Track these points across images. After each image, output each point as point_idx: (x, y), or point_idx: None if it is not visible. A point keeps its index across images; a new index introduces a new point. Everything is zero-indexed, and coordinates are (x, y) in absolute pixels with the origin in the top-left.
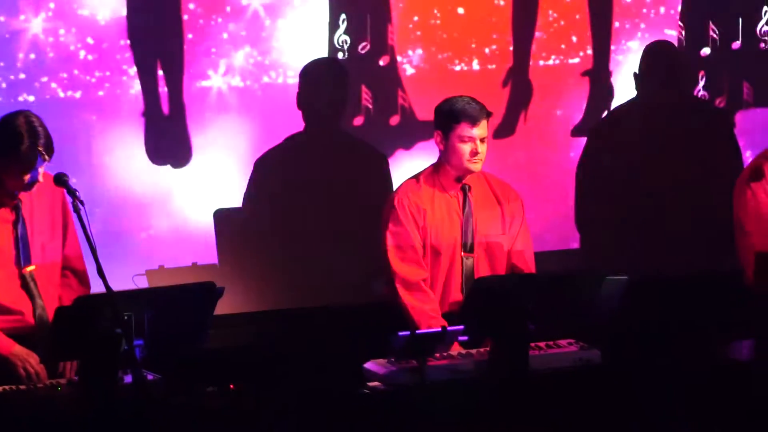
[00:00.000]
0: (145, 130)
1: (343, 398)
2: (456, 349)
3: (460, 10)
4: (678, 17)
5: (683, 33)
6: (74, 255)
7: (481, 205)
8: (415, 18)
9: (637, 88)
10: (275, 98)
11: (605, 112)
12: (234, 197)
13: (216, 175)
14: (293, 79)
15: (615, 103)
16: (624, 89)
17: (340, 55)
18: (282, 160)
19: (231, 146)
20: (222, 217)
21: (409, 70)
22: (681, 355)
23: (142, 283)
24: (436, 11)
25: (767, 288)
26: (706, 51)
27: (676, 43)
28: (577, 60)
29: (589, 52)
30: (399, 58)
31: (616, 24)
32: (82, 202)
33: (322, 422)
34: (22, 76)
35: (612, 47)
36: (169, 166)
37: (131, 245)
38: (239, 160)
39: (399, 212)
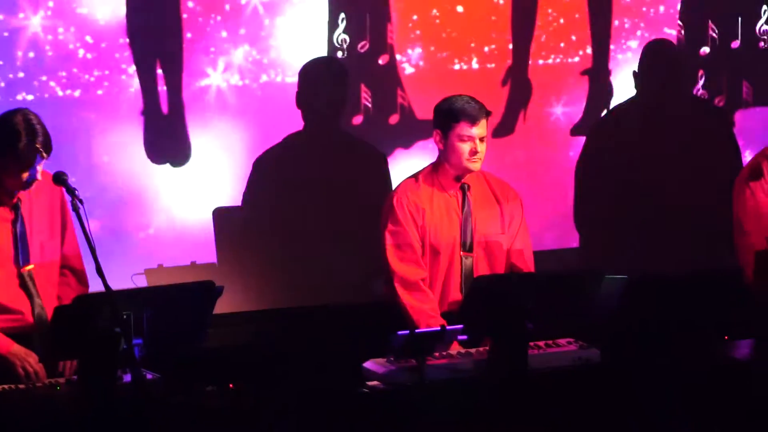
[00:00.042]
0: (144, 129)
1: (343, 397)
2: (455, 349)
3: (460, 9)
4: (677, 16)
5: (683, 32)
6: (73, 254)
7: (480, 204)
8: (415, 17)
9: (636, 87)
10: (274, 97)
11: (605, 111)
12: (233, 196)
13: (215, 174)
14: (292, 78)
15: (614, 102)
16: (623, 88)
17: (339, 54)
18: (281, 159)
19: (230, 145)
20: (221, 216)
21: (409, 69)
22: (680, 354)
23: (141, 282)
24: (435, 10)
25: (766, 287)
26: (705, 50)
27: (675, 42)
28: (576, 59)
29: (589, 51)
30: (398, 57)
31: (616, 23)
32: (81, 201)
33: (322, 421)
34: (21, 74)
35: (611, 46)
36: (168, 165)
37: (130, 244)
38: (238, 159)
39: (398, 212)
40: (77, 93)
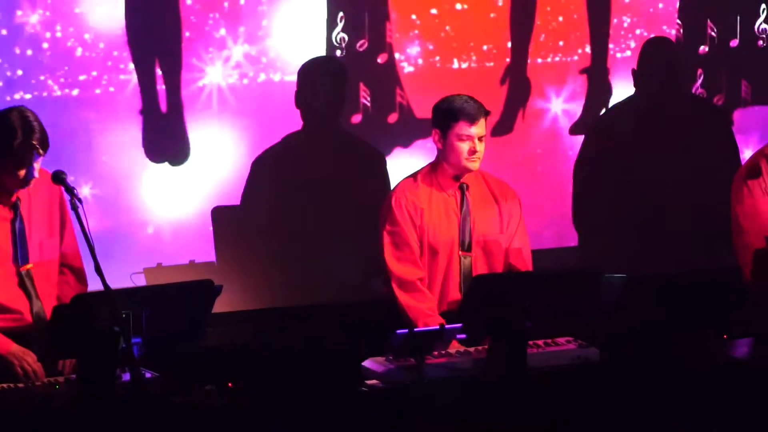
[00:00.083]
0: (143, 128)
1: (342, 396)
2: (454, 347)
3: (458, 8)
4: (676, 15)
5: (681, 31)
6: (72, 252)
7: (479, 203)
8: (413, 16)
9: (635, 86)
10: (273, 96)
11: (603, 110)
12: (232, 195)
13: (214, 173)
14: (291, 77)
15: (613, 101)
16: (622, 87)
17: (338, 53)
18: (280, 158)
19: (229, 144)
20: (220, 215)
21: (407, 68)
22: (679, 353)
23: (140, 281)
24: (434, 9)
25: (765, 286)
26: (704, 49)
27: (674, 41)
28: (575, 58)
29: (588, 49)
30: (397, 56)
31: (615, 21)
32: (79, 200)
33: (321, 420)
34: (19, 72)
35: (610, 45)
36: (167, 164)
37: (129, 243)
38: (237, 158)
39: (396, 211)
40: (75, 92)
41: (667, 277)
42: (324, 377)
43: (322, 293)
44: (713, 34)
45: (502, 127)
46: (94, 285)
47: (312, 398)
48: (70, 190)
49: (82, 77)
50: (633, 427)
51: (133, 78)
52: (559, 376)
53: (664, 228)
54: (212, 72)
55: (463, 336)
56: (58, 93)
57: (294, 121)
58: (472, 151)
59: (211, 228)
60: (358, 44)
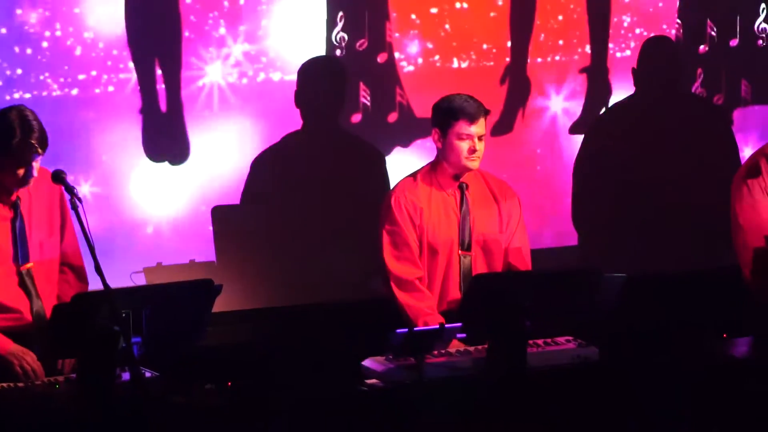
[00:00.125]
0: (143, 128)
1: (341, 396)
2: (454, 346)
3: (458, 7)
4: (676, 14)
5: (681, 30)
6: (72, 251)
7: (479, 203)
8: (413, 15)
9: (635, 85)
10: (273, 96)
11: (603, 109)
12: (232, 195)
13: (214, 173)
14: (291, 77)
15: (613, 100)
16: (622, 86)
17: (337, 53)
18: (280, 158)
19: (229, 144)
20: (220, 214)
21: (407, 68)
22: (679, 352)
23: (140, 281)
24: (433, 8)
25: (764, 285)
26: (704, 48)
27: (674, 40)
28: (575, 57)
29: (588, 49)
30: (397, 56)
31: (615, 21)
32: (80, 199)
33: (321, 419)
34: (19, 71)
35: (610, 44)
36: (166, 163)
37: (129, 242)
38: (237, 158)
39: (395, 211)
40: (75, 91)
41: (667, 277)
42: (324, 376)
43: (322, 292)
44: (713, 33)
45: (502, 127)
46: (94, 284)
47: (312, 397)
48: (70, 190)
49: (81, 77)
50: (632, 427)
51: (133, 77)
52: (559, 376)
53: (664, 227)
54: (212, 71)
55: (463, 335)
56: (58, 92)
57: (294, 121)
58: (472, 150)
59: (211, 227)
60: (357, 44)
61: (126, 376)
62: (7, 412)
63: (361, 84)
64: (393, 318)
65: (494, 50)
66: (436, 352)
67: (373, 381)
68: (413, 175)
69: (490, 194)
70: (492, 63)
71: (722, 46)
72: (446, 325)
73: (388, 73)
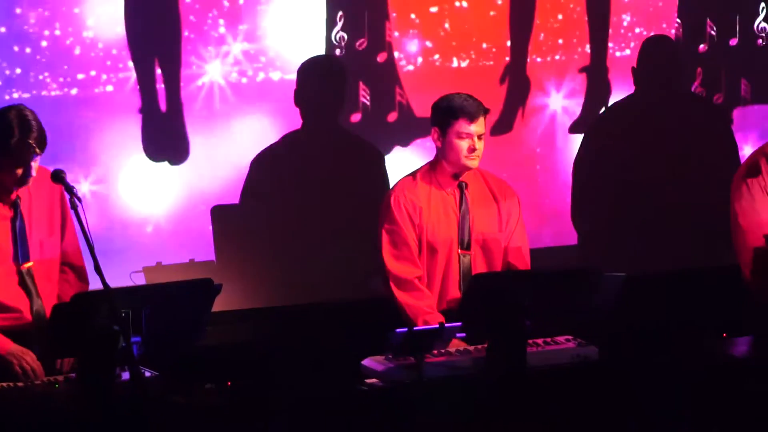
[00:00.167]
0: (143, 127)
1: (341, 395)
2: (456, 345)
3: (458, 5)
4: (676, 13)
5: (681, 29)
6: (72, 251)
7: (478, 202)
8: (413, 15)
9: (635, 84)
10: (273, 95)
11: (603, 109)
12: (231, 194)
13: (213, 172)
14: (290, 76)
15: (613, 100)
16: (622, 85)
17: (337, 52)
18: (279, 157)
19: (228, 143)
20: (219, 214)
21: (407, 67)
22: (678, 352)
23: (140, 280)
24: (433, 8)
25: (764, 284)
26: (703, 47)
27: (673, 39)
28: (575, 56)
29: (587, 48)
30: (396, 55)
31: (614, 20)
32: (79, 199)
33: (320, 419)
34: (18, 70)
35: (610, 43)
36: (166, 163)
37: (129, 242)
38: (236, 157)
39: (394, 210)
40: (74, 91)
41: (667, 276)
42: (323, 376)
43: (321, 292)
44: (713, 32)
45: (502, 126)
46: (93, 284)
47: (311, 397)
48: (70, 189)
49: (80, 76)
50: (632, 426)
51: (132, 77)
52: (559, 375)
53: (664, 226)
54: (212, 71)
55: (463, 335)
56: (58, 92)
57: (293, 120)
58: (472, 149)
59: (211, 227)
60: (357, 43)
61: (125, 375)
62: (6, 411)
63: (361, 83)
64: (393, 317)
65: (494, 49)
66: (435, 352)
67: (373, 380)
68: (413, 175)
69: (489, 193)
70: (492, 62)
71: (722, 46)
72: (446, 325)
73: (387, 72)
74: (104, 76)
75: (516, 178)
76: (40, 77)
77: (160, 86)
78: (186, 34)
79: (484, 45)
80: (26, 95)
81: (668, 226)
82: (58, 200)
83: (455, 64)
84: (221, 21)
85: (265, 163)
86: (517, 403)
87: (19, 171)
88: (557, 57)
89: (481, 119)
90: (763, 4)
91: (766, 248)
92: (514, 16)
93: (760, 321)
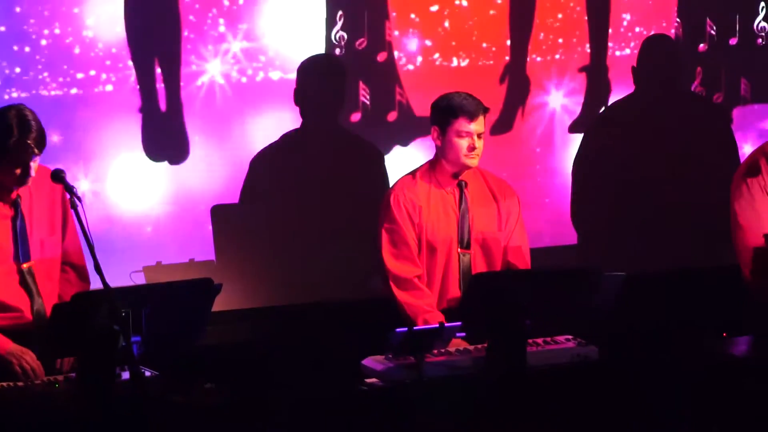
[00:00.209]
0: (143, 127)
1: (341, 395)
2: (454, 345)
3: (457, 4)
4: (675, 13)
5: (681, 29)
6: (74, 250)
7: (478, 201)
8: (412, 14)
9: (635, 84)
10: (273, 94)
11: (603, 108)
12: (231, 194)
13: (213, 172)
14: (290, 76)
15: (612, 99)
16: (622, 85)
17: (337, 51)
18: (279, 157)
19: (228, 142)
20: (219, 213)
21: (407, 66)
22: (678, 351)
23: (140, 280)
24: (433, 7)
25: (764, 284)
26: (703, 47)
27: (673, 39)
28: (574, 55)
29: (587, 47)
30: (396, 55)
31: (614, 19)
32: (79, 198)
33: (320, 419)
34: (17, 69)
35: (610, 43)
36: (166, 163)
37: (129, 242)
38: (236, 157)
39: (394, 209)
40: (74, 90)
41: (666, 275)
42: (323, 376)
43: (321, 291)
44: (712, 32)
45: (502, 126)
46: (94, 283)
47: (311, 397)
48: (70, 189)
49: (80, 75)
50: (632, 425)
51: (132, 76)
52: (559, 375)
53: (663, 226)
54: (211, 70)
55: (463, 334)
56: (57, 92)
57: (293, 120)
58: (471, 148)
59: (211, 226)
60: (357, 42)
61: (125, 375)
62: (7, 411)
63: (361, 83)
64: (393, 317)
65: (494, 49)
66: (435, 351)
67: (373, 380)
68: (412, 174)
69: (489, 192)
70: (491, 62)
71: (722, 45)
72: (446, 324)
73: (387, 72)
74: (104, 76)
75: (516, 178)
76: (40, 76)
77: (160, 86)
78: (186, 33)
79: (484, 44)
80: (24, 95)
81: (668, 226)
82: (59, 200)
83: (455, 63)
84: (221, 20)
85: (264, 163)
86: (517, 403)
87: (18, 171)
88: (557, 56)
89: (481, 118)
90: (762, 4)
91: (765, 248)
92: (514, 16)
93: (759, 320)
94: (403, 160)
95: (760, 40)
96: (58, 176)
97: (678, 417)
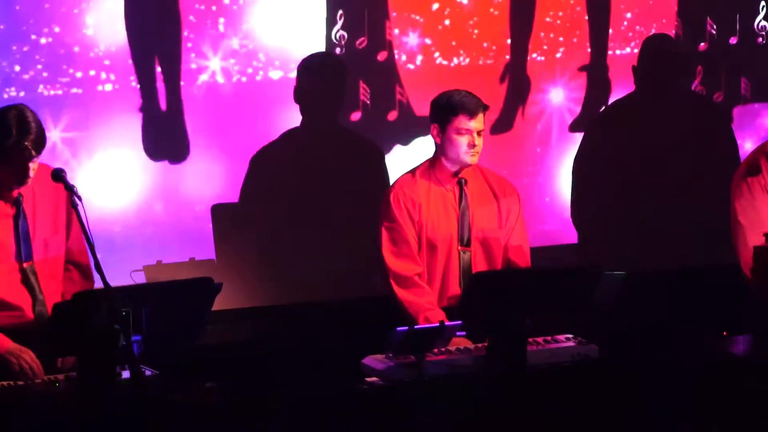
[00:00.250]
0: (143, 126)
1: (342, 394)
2: (456, 344)
3: (458, 3)
4: (676, 12)
5: (681, 28)
6: (78, 249)
7: (478, 199)
8: (413, 14)
9: (635, 83)
10: (273, 93)
11: (603, 107)
12: (231, 193)
13: (213, 171)
14: (290, 75)
15: (613, 98)
16: (622, 84)
17: (337, 51)
18: (279, 155)
19: (228, 141)
20: (219, 212)
21: (407, 66)
22: (679, 350)
23: (140, 279)
24: (433, 6)
25: (764, 283)
26: (703, 46)
27: (673, 38)
28: (575, 55)
29: (587, 46)
30: (396, 54)
31: (615, 18)
32: (79, 198)
33: (320, 418)
34: (17, 68)
35: (610, 42)
36: (166, 162)
37: (129, 241)
38: (236, 156)
39: (394, 208)
40: (74, 89)
41: (667, 274)
42: (324, 375)
43: (321, 290)
44: (713, 31)
45: (502, 125)
46: (96, 282)
47: (312, 396)
48: (70, 188)
49: (79, 74)
50: (632, 424)
51: (132, 76)
52: (559, 374)
53: (664, 225)
54: (211, 69)
55: (463, 333)
56: (58, 91)
57: (293, 119)
58: (471, 145)
59: (211, 225)
60: (357, 42)
61: (126, 374)
62: (7, 410)
63: (361, 82)
64: (393, 316)
65: (494, 48)
66: (436, 350)
67: (373, 379)
68: (412, 172)
69: (489, 190)
70: (492, 61)
71: (722, 44)
72: (446, 323)
73: (387, 71)
74: (104, 75)
75: (516, 177)
76: (40, 76)
77: (160, 85)
78: (186, 33)
79: (485, 44)
80: (22, 93)
81: (668, 225)
82: (63, 199)
83: (455, 62)
84: (221, 19)
85: (264, 162)
86: (517, 402)
87: (17, 171)
88: (558, 55)
89: (481, 115)
90: (763, 3)
91: (766, 247)
92: (514, 15)
93: (759, 319)
94: (403, 160)
95: (760, 39)
96: (58, 176)
97: (678, 416)
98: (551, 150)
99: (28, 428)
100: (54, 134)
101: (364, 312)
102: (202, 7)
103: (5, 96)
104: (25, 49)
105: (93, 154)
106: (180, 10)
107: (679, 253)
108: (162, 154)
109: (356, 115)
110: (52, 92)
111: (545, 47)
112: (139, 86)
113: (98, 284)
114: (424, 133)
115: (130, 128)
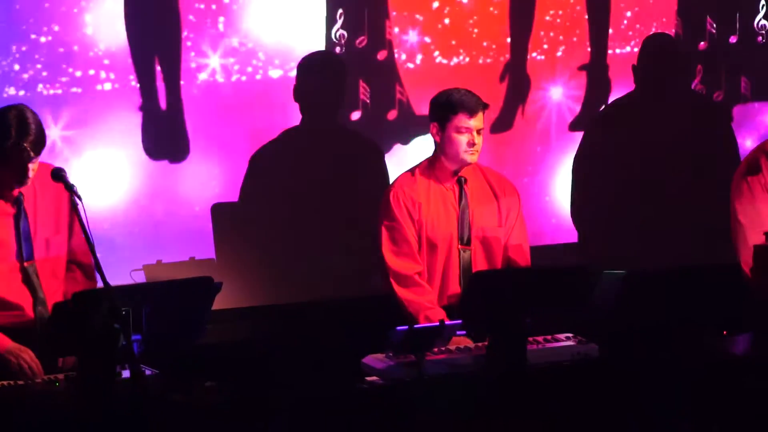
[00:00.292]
0: (143, 125)
1: (341, 393)
2: (455, 343)
3: (458, 2)
4: (676, 11)
5: (681, 27)
6: (80, 249)
7: (478, 198)
8: (413, 12)
9: (635, 82)
10: (272, 92)
11: (603, 106)
12: (231, 192)
13: (213, 170)
14: (290, 73)
15: (613, 97)
16: (622, 83)
17: (337, 50)
18: (278, 155)
19: (228, 141)
20: (219, 211)
21: (407, 65)
22: (679, 349)
23: (140, 278)
24: (433, 5)
25: (764, 282)
26: (703, 45)
27: (673, 37)
28: (575, 54)
29: (587, 45)
30: (396, 53)
31: (615, 17)
32: (79, 197)
33: (320, 417)
34: (16, 67)
35: (610, 41)
36: (166, 161)
37: (129, 240)
38: (236, 155)
39: (393, 207)
40: (73, 89)
41: (667, 274)
42: (324, 374)
43: (321, 289)
44: (713, 30)
45: (502, 124)
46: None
47: (312, 395)
48: (70, 188)
49: (78, 74)
50: (632, 424)
51: (132, 75)
52: (559, 373)
53: (664, 224)
54: (211, 68)
55: (463, 333)
56: (57, 90)
57: (293, 118)
58: (471, 144)
59: (211, 225)
60: (357, 41)
61: (126, 373)
62: (7, 409)
63: (361, 81)
64: (393, 315)
65: (494, 47)
66: (436, 349)
67: (373, 378)
68: (411, 170)
69: (489, 189)
70: (491, 60)
71: (722, 43)
72: (446, 323)
73: (387, 70)
74: (103, 74)
75: (516, 176)
76: (40, 75)
77: (160, 84)
78: (186, 32)
79: (485, 42)
80: (21, 93)
81: (668, 224)
82: (65, 199)
83: (455, 61)
84: (221, 18)
85: (264, 161)
86: (517, 401)
87: (16, 172)
88: (557, 54)
89: (480, 114)
90: (762, 2)
91: (766, 246)
92: (514, 13)
93: (759, 318)
94: (403, 159)
95: (760, 38)
96: (58, 175)
97: (678, 415)
98: (551, 149)
99: (28, 428)
100: (54, 132)
101: (363, 311)
102: (202, 6)
103: (5, 95)
104: (24, 48)
105: (93, 153)
106: (180, 9)
107: (679, 253)
108: (162, 153)
109: (356, 114)
110: (51, 91)
111: (545, 46)
112: (138, 85)
113: (98, 284)
114: (424, 132)
115: (130, 127)
